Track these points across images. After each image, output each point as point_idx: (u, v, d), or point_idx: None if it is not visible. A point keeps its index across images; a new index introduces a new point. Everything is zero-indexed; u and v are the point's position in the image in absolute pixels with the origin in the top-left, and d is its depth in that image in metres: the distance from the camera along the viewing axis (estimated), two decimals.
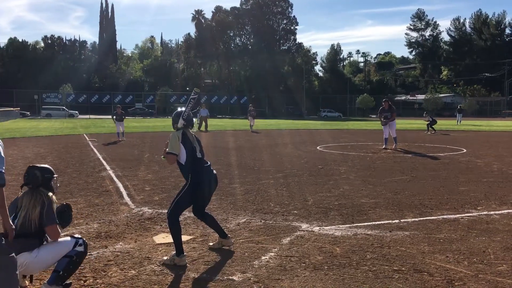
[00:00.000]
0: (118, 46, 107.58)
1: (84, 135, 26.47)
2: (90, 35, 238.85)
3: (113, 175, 11.11)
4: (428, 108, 67.23)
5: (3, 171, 3.32)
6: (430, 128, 29.13)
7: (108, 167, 12.49)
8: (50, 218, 3.86)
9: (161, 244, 5.57)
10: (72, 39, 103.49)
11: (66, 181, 10.19)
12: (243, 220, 6.68)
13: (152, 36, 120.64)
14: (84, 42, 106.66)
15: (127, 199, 8.26)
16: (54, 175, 4.14)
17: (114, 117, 23.06)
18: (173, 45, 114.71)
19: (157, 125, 39.43)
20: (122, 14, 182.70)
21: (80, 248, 4.00)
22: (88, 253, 5.20)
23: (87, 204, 7.79)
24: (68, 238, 4.06)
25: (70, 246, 3.97)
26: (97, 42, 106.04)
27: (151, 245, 5.59)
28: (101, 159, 14.49)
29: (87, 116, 63.95)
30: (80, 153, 16.30)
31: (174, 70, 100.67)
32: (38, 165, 4.12)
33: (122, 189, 9.24)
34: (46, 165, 4.17)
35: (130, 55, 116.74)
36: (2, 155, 3.37)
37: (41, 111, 64.19)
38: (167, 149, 5.01)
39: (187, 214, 7.03)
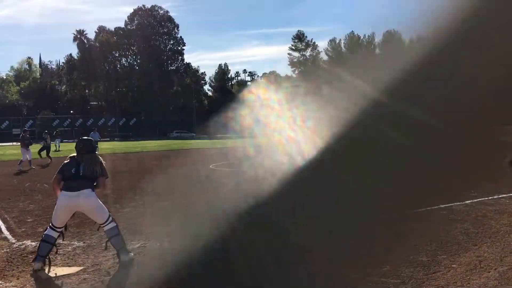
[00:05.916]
0: None
1: None
2: None
3: None
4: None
5: None
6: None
7: None
8: (104, 172, 5.92)
9: (62, 275, 5.18)
10: None
11: None
12: (138, 245, 6.47)
13: (29, 57, 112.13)
14: None
15: (6, 233, 7.57)
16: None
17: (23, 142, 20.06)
18: (53, 67, 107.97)
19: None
20: None
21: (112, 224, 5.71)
22: None
23: None
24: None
25: (106, 215, 5.69)
26: None
27: (33, 280, 5.17)
28: None
29: None
30: None
31: (56, 93, 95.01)
32: (86, 138, 6.26)
33: (0, 222, 8.45)
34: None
35: (4, 77, 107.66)
36: None
37: None
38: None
39: (76, 243, 6.64)
